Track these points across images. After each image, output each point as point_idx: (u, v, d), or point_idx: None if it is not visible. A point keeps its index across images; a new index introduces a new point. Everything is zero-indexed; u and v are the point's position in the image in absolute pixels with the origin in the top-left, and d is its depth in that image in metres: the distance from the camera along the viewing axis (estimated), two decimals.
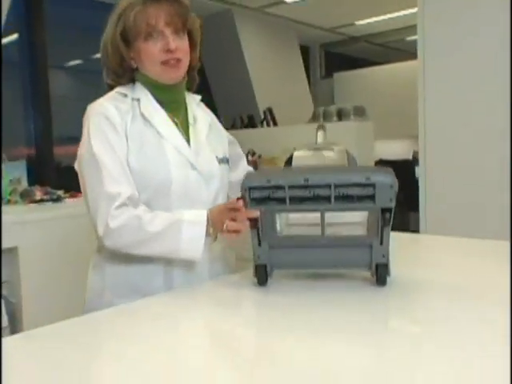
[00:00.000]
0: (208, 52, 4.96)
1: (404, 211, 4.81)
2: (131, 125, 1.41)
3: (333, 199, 1.18)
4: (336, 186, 1.18)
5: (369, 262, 1.30)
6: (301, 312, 1.13)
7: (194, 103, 1.56)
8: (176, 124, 1.48)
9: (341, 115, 4.22)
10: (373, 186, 1.16)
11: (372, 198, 1.17)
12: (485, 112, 2.77)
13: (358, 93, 5.93)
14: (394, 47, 6.88)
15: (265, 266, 1.32)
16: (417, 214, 2.97)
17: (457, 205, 2.83)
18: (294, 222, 1.33)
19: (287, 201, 1.20)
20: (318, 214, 1.24)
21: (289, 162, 1.41)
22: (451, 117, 2.88)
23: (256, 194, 1.22)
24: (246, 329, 1.07)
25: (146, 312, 1.18)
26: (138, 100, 1.46)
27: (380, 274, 1.28)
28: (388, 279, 1.29)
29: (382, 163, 5.30)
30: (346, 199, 1.18)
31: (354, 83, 6.16)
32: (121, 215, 1.32)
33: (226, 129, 1.65)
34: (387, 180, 1.16)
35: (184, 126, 1.49)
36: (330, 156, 1.38)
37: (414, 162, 4.93)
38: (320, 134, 1.46)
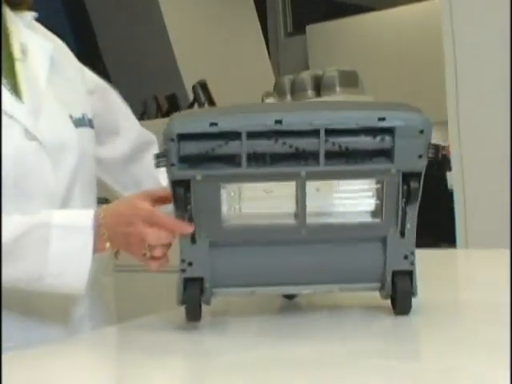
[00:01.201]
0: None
1: (431, 242, 3.69)
2: None
3: (322, 157, 0.93)
4: (328, 133, 0.93)
5: (382, 269, 1.02)
6: (261, 370, 0.84)
7: (20, 24, 1.26)
8: None
9: (319, 87, 3.73)
10: (390, 131, 0.93)
11: (388, 154, 0.94)
12: None
13: (344, 54, 5.03)
14: None
15: (200, 282, 1.01)
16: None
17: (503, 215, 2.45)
18: (251, 202, 1.03)
19: (243, 160, 0.94)
20: (292, 186, 0.97)
21: None
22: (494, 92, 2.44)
23: (190, 149, 0.94)
24: None
25: None
26: None
27: (401, 292, 1.01)
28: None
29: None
30: (344, 158, 0.95)
31: (338, 40, 5.29)
32: None
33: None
34: (415, 120, 0.94)
35: (6, 65, 1.19)
36: None
37: (444, 164, 3.82)
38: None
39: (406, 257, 1.01)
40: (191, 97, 4.19)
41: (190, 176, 0.96)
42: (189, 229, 0.99)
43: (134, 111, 3.98)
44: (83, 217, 1.11)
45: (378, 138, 0.94)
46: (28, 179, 1.15)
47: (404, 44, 4.81)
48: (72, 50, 1.38)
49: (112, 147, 1.39)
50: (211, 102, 4.09)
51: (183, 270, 1.01)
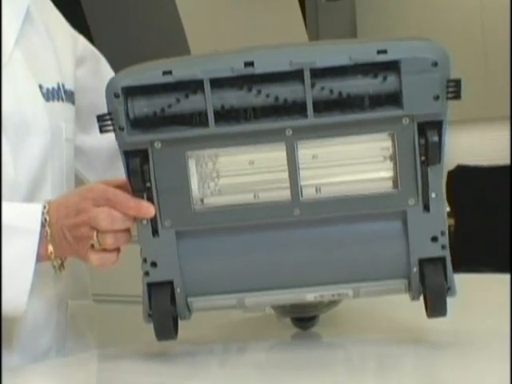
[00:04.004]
0: None
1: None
2: None
3: (310, 106, 0.90)
4: (315, 75, 0.89)
5: (403, 260, 0.97)
6: None
7: None
8: None
9: None
10: (395, 67, 0.89)
11: (395, 99, 0.90)
12: None
13: (404, 23, 4.93)
14: None
15: (170, 286, 0.98)
16: None
17: None
18: (229, 177, 0.98)
19: (210, 117, 0.91)
20: (281, 153, 0.94)
21: None
22: None
23: (141, 108, 0.92)
24: None
25: None
26: None
27: (430, 288, 0.95)
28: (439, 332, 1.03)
29: (464, 174, 4.30)
30: (338, 108, 0.91)
31: (397, 3, 5.10)
32: None
33: None
34: (425, 50, 0.90)
35: None
36: None
37: None
38: None
39: (434, 239, 0.94)
40: None
41: (146, 142, 0.93)
42: (149, 210, 0.94)
43: None
44: (28, 215, 1.06)
45: (380, 78, 0.89)
46: None
47: (488, 17, 4.68)
48: None
49: (98, 136, 1.18)
50: None
51: (146, 273, 0.97)
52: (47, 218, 1.03)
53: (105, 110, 1.12)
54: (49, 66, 1.22)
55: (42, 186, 1.16)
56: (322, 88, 0.88)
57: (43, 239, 1.02)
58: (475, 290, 1.44)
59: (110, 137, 1.23)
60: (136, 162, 0.92)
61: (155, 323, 0.97)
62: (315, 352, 1.03)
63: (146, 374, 0.98)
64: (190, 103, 0.90)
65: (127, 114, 0.91)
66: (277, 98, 0.89)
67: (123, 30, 4.39)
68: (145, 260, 0.96)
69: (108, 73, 1.36)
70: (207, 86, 0.88)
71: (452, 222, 3.71)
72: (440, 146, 0.91)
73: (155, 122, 0.91)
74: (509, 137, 2.28)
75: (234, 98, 0.90)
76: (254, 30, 4.40)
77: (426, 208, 0.93)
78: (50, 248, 1.02)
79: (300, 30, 4.76)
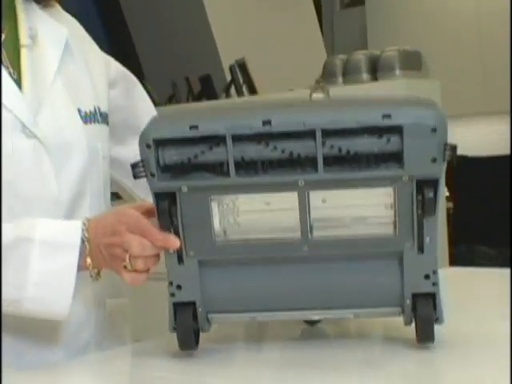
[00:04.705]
0: None
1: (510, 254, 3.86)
2: None
3: (320, 163, 0.92)
4: (325, 135, 0.91)
5: (399, 292, 1.00)
6: None
7: (35, 8, 1.26)
8: None
9: (376, 69, 3.39)
10: (398, 131, 0.90)
11: (397, 158, 0.92)
12: None
13: (409, 29, 4.98)
14: None
15: (192, 306, 1.02)
16: None
17: None
18: (247, 214, 1.01)
19: (231, 169, 0.93)
20: (293, 197, 0.96)
21: None
22: None
23: (170, 157, 0.94)
24: None
25: None
26: None
27: (421, 318, 0.99)
28: (438, 331, 1.00)
29: (463, 164, 4.00)
30: (346, 163, 0.93)
31: (402, 13, 5.18)
32: None
33: (158, 103, 1.57)
34: (426, 117, 0.90)
35: (12, 52, 1.20)
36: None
37: None
38: (317, 96, 1.20)
39: (427, 276, 0.99)
40: (228, 78, 4.13)
41: (174, 187, 0.95)
42: (175, 243, 0.99)
43: (162, 94, 4.03)
44: (69, 232, 1.09)
45: (384, 139, 0.91)
46: (25, 183, 1.14)
47: (485, 19, 4.77)
48: (98, 26, 1.39)
49: (133, 147, 1.28)
50: (250, 85, 4.01)
51: (172, 294, 1.01)
52: (86, 235, 1.07)
53: (136, 126, 1.29)
54: (86, 92, 1.26)
55: (82, 200, 1.20)
56: (332, 146, 0.92)
57: (83, 253, 1.07)
58: (473, 285, 1.52)
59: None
60: (164, 203, 0.96)
61: (179, 336, 1.02)
62: (323, 349, 1.07)
63: (173, 370, 1.03)
64: (214, 154, 0.93)
65: (157, 162, 0.94)
66: (291, 153, 0.93)
67: (160, 33, 4.60)
68: (171, 283, 1.01)
69: (138, 91, 1.43)
70: (229, 141, 0.92)
71: (451, 205, 3.94)
72: (435, 201, 0.94)
73: (182, 169, 0.95)
74: (505, 130, 2.51)
75: (252, 151, 0.93)
76: (274, 35, 4.65)
77: (421, 250, 0.97)
78: (89, 261, 1.07)
79: (316, 35, 5.05)
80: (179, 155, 0.94)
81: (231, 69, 3.98)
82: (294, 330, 1.14)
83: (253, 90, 4.05)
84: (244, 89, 3.99)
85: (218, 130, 0.92)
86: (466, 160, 4.55)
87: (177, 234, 0.97)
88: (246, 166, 0.94)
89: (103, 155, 1.25)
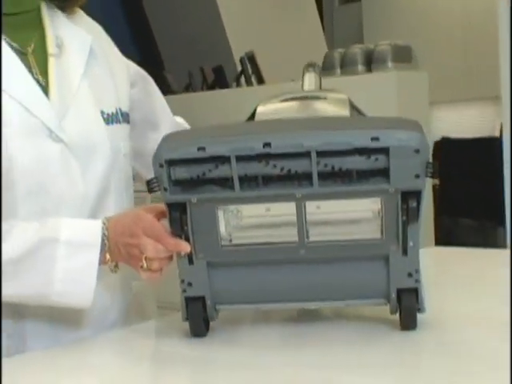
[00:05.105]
0: None
1: (490, 226, 4.13)
2: None
3: (315, 179, 0.94)
4: (320, 155, 0.93)
5: (386, 287, 1.02)
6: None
7: (61, 16, 1.23)
8: (24, 55, 1.16)
9: (370, 62, 3.50)
10: (385, 151, 0.92)
11: (384, 173, 0.94)
12: None
13: (401, 24, 5.10)
14: None
15: (202, 300, 1.04)
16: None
17: None
18: (250, 220, 1.03)
19: (235, 184, 0.95)
20: (291, 206, 0.98)
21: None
22: None
23: (181, 174, 0.97)
24: None
25: None
26: None
27: (405, 309, 1.02)
28: (421, 318, 1.02)
29: (447, 145, 4.51)
30: (339, 178, 0.95)
31: (395, 8, 5.26)
32: None
33: (176, 92, 1.68)
34: (410, 140, 0.92)
35: (40, 60, 1.17)
36: (321, 109, 1.10)
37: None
38: (309, 77, 1.19)
39: (410, 274, 1.01)
40: (238, 69, 4.16)
41: (184, 199, 0.98)
42: (186, 248, 1.01)
43: (179, 83, 4.11)
44: (91, 232, 1.10)
45: (373, 158, 0.93)
46: (55, 184, 1.13)
47: (469, 15, 4.88)
48: (122, 24, 1.37)
49: (153, 141, 1.33)
50: (258, 75, 4.03)
51: (184, 290, 1.04)
52: (106, 233, 1.08)
53: (153, 120, 1.36)
54: (109, 94, 1.24)
55: (107, 196, 1.19)
56: (326, 165, 0.94)
57: (102, 250, 1.08)
58: (454, 263, 1.53)
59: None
60: (176, 213, 0.99)
61: (191, 326, 1.06)
62: (317, 328, 1.09)
63: (185, 346, 1.06)
64: (220, 172, 0.96)
65: (169, 178, 0.97)
66: (289, 170, 0.95)
67: (178, 28, 4.59)
68: (182, 281, 1.04)
69: (153, 88, 1.41)
70: (233, 161, 0.94)
71: (437, 181, 4.00)
72: (418, 210, 0.96)
73: (192, 184, 0.97)
74: (484, 114, 2.66)
75: (254, 169, 0.96)
76: (280, 30, 4.71)
77: (405, 253, 0.99)
78: (108, 256, 1.08)
79: (318, 30, 5.11)
80: (189, 172, 0.96)
81: (241, 60, 3.98)
82: (291, 313, 1.16)
83: (260, 80, 4.04)
84: (253, 79, 4.00)
85: (224, 152, 0.94)
86: (449, 141, 4.62)
87: (187, 238, 1.00)
88: (248, 181, 0.96)
89: (125, 153, 1.24)
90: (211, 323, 1.08)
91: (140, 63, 1.42)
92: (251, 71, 3.95)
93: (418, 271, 1.01)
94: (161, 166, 0.96)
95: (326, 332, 1.08)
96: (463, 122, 5.21)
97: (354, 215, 1.01)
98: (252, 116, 1.12)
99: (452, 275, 1.43)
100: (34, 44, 1.18)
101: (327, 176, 0.95)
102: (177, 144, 0.97)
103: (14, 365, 1.04)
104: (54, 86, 1.16)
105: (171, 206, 0.99)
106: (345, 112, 1.08)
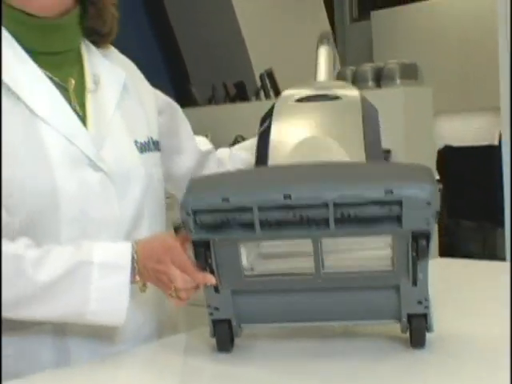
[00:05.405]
0: None
1: (490, 227, 4.17)
2: None
3: (332, 223, 0.94)
4: (337, 205, 0.93)
5: (397, 311, 1.03)
6: None
7: (97, 54, 1.25)
8: (65, 90, 1.18)
9: (380, 78, 3.56)
10: (398, 202, 0.91)
11: (397, 218, 0.93)
12: None
13: (408, 42, 4.99)
14: None
15: (228, 322, 1.06)
16: None
17: None
18: (269, 250, 1.05)
19: (257, 228, 0.96)
20: (309, 241, 0.98)
21: (266, 120, 1.15)
22: None
23: (205, 219, 0.98)
24: None
25: None
26: None
27: (415, 331, 1.03)
28: (429, 336, 1.04)
29: (449, 152, 4.51)
30: (355, 222, 0.94)
31: (403, 27, 5.16)
32: None
33: (201, 104, 1.69)
34: (422, 193, 0.90)
35: (79, 94, 1.19)
36: (335, 114, 1.10)
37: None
38: (324, 52, 1.17)
39: (419, 302, 1.02)
40: (258, 84, 4.20)
41: (209, 238, 1.00)
42: (212, 281, 1.03)
43: (204, 96, 4.00)
44: (121, 255, 1.11)
45: (387, 208, 0.94)
46: (94, 209, 1.15)
47: (468, 33, 4.84)
48: (153, 43, 1.30)
49: (177, 164, 1.41)
50: (276, 90, 4.06)
51: (211, 314, 1.07)
52: (135, 256, 1.09)
53: (180, 146, 1.38)
54: (141, 124, 1.26)
55: (141, 220, 1.21)
56: (342, 213, 0.93)
57: (132, 271, 1.09)
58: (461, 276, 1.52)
59: (187, 165, 1.39)
60: (201, 250, 1.01)
61: (217, 343, 1.09)
62: (331, 342, 1.11)
63: (210, 360, 1.08)
64: (242, 219, 0.96)
65: (195, 222, 0.97)
66: (308, 217, 0.95)
67: (204, 46, 4.60)
68: (209, 305, 1.06)
69: (180, 117, 1.42)
70: (255, 211, 0.95)
71: (441, 186, 4.09)
72: (428, 247, 0.95)
73: (215, 226, 0.98)
74: (482, 124, 2.69)
75: (275, 215, 0.96)
76: (296, 48, 4.64)
77: (415, 284, 0.99)
78: (137, 278, 1.09)
79: None
80: (213, 218, 0.98)
81: (261, 77, 4.06)
82: (308, 330, 1.15)
83: (278, 94, 3.63)
84: (271, 93, 4.08)
85: (246, 203, 0.95)
86: (452, 149, 4.65)
87: (212, 270, 1.02)
88: (269, 224, 0.97)
89: (158, 178, 1.26)
90: (236, 339, 1.11)
91: (169, 79, 1.39)
92: (270, 86, 4.02)
93: (427, 299, 1.02)
94: (188, 214, 0.97)
95: (340, 347, 1.10)
96: (464, 131, 5.16)
97: (368, 247, 1.03)
98: (270, 111, 1.18)
99: (456, 289, 1.41)
100: (73, 79, 1.21)
101: (342, 221, 0.95)
102: (202, 194, 0.99)
103: (59, 377, 1.08)
104: (92, 118, 1.19)
105: (196, 243, 1.01)
106: (357, 117, 1.12)
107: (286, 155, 1.12)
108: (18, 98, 1.13)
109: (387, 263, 1.01)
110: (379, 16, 5.32)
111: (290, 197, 0.94)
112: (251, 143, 1.35)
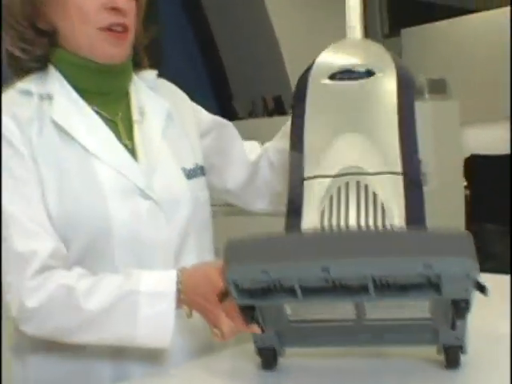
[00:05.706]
0: (217, 11, 4.53)
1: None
2: (39, 140, 1.15)
3: (372, 292, 0.92)
4: (375, 278, 0.91)
5: (433, 340, 1.04)
6: None
7: (142, 87, 1.27)
8: (115, 124, 1.21)
9: None
10: (437, 276, 0.89)
11: (436, 287, 0.91)
12: None
13: (438, 58, 4.98)
14: None
15: (273, 349, 1.09)
16: None
17: None
18: (311, 305, 1.07)
19: (299, 295, 0.96)
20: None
21: (299, 97, 1.11)
22: None
23: (247, 287, 0.97)
24: None
25: None
26: (51, 98, 1.17)
27: (449, 358, 1.04)
28: (464, 358, 1.04)
29: (476, 160, 4.49)
30: (394, 288, 0.92)
31: (432, 43, 5.15)
32: (41, 287, 1.10)
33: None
34: (461, 268, 0.87)
35: (127, 127, 1.22)
36: (368, 91, 1.05)
37: None
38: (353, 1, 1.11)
39: (457, 338, 1.02)
40: None
41: (252, 303, 1.01)
42: (257, 331, 1.05)
43: (245, 110, 4.20)
44: (166, 283, 1.12)
45: (425, 278, 0.92)
46: (145, 234, 1.18)
47: (494, 48, 4.81)
48: (199, 61, 1.32)
49: (232, 179, 1.41)
50: None
51: (255, 341, 1.10)
52: (180, 287, 1.10)
53: (229, 161, 1.38)
54: (186, 151, 1.27)
55: (187, 241, 1.23)
56: (382, 283, 0.92)
57: (179, 300, 1.10)
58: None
59: (240, 177, 1.39)
60: (246, 311, 1.01)
61: (262, 362, 1.11)
62: (367, 360, 1.11)
63: (253, 379, 1.09)
64: (282, 285, 0.96)
65: (237, 290, 0.97)
66: (347, 286, 0.94)
67: (245, 63, 4.64)
68: (255, 340, 1.08)
69: (229, 133, 1.41)
70: (296, 285, 0.94)
71: (468, 192, 4.08)
72: (467, 309, 0.94)
73: (257, 293, 0.98)
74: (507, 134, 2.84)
75: (315, 285, 0.95)
76: None
77: (453, 329, 0.99)
78: (185, 307, 1.11)
79: None
80: (254, 286, 0.98)
81: None
82: (347, 350, 1.15)
83: None
84: None
85: (285, 278, 0.94)
86: (479, 157, 4.60)
87: (258, 321, 1.03)
88: (310, 290, 0.96)
89: (203, 201, 1.28)
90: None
91: (213, 95, 1.39)
92: None
93: (464, 335, 1.02)
94: (228, 283, 0.98)
95: (375, 366, 1.11)
96: (491, 139, 4.89)
97: (408, 304, 1.03)
98: (303, 84, 1.13)
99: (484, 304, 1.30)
100: (121, 113, 1.23)
101: (382, 288, 0.94)
102: (241, 267, 0.96)
103: None
104: (141, 150, 1.21)
105: (240, 307, 1.02)
106: (392, 98, 1.09)
107: (321, 148, 1.09)
108: (72, 138, 1.17)
109: (426, 312, 1.03)
110: (409, 33, 5.31)
111: (328, 270, 0.91)
112: (284, 130, 1.31)
